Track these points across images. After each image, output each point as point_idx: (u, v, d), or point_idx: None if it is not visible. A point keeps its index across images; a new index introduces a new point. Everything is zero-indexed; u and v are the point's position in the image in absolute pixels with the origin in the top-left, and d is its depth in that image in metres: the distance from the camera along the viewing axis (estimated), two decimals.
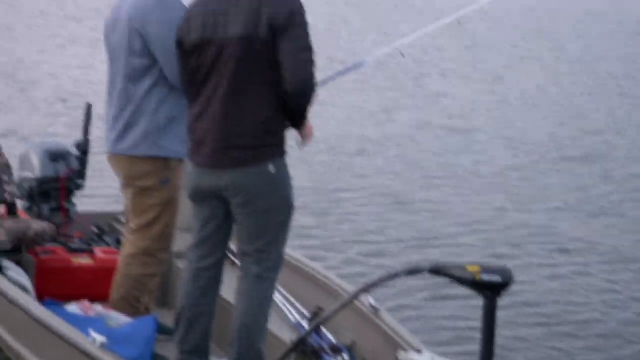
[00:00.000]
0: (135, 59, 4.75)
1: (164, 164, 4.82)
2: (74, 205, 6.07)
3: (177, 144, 4.80)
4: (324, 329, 4.84)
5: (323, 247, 8.41)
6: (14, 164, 6.03)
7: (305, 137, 4.43)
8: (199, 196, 4.34)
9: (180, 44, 4.31)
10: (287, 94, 4.16)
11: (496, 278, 3.17)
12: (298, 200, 4.47)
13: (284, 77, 4.14)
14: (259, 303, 4.26)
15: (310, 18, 4.22)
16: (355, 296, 3.42)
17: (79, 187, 6.06)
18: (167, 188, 4.86)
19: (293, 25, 4.14)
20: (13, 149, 6.70)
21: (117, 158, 4.90)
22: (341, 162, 11.77)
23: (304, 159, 10.60)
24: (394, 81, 18.48)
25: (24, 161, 6.07)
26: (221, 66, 4.19)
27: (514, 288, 3.26)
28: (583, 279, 8.09)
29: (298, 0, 4.21)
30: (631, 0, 26.52)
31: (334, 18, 29.85)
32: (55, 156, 6.02)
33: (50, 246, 5.66)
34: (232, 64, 4.17)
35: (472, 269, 3.19)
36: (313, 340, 4.75)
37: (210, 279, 4.36)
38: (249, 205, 4.23)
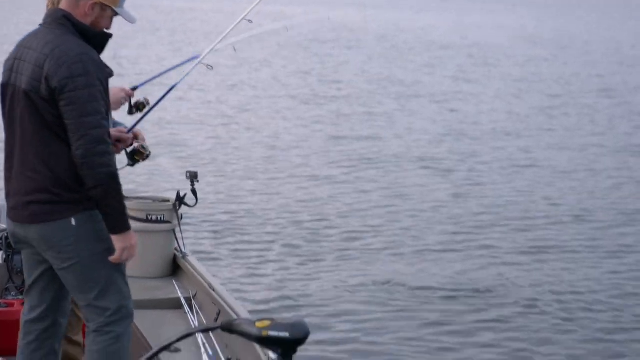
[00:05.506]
0: None
1: None
2: None
3: None
4: None
5: None
6: None
7: (121, 246, 3.93)
8: (18, 244, 4.13)
9: None
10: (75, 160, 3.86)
11: (284, 334, 2.76)
12: None
13: (70, 141, 3.85)
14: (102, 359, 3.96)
15: None
16: (156, 353, 3.07)
17: None
18: None
19: (70, 89, 3.80)
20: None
21: None
22: None
23: None
24: None
25: (2, 212, 5.99)
26: (17, 116, 3.96)
27: None
28: None
29: (83, 63, 3.84)
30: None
31: None
32: None
33: (10, 299, 5.52)
34: (26, 116, 3.92)
35: (261, 324, 2.78)
36: None
37: (41, 332, 4.08)
38: (59, 260, 3.97)
